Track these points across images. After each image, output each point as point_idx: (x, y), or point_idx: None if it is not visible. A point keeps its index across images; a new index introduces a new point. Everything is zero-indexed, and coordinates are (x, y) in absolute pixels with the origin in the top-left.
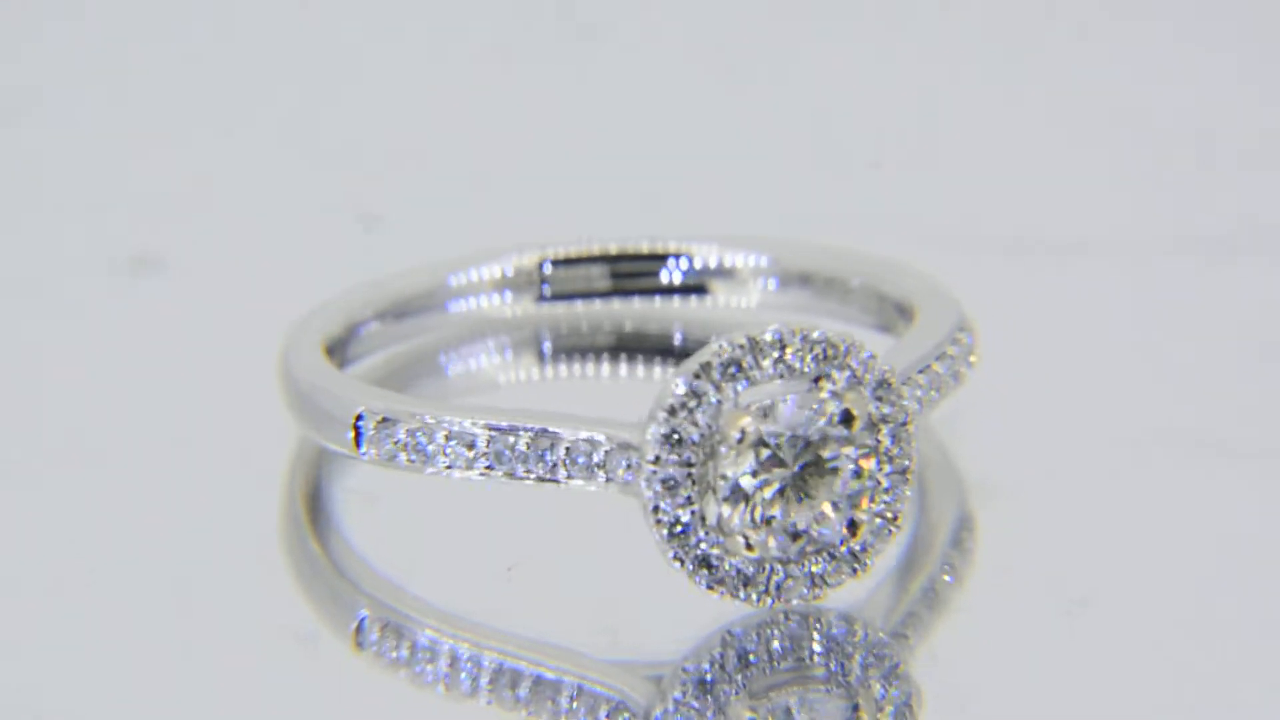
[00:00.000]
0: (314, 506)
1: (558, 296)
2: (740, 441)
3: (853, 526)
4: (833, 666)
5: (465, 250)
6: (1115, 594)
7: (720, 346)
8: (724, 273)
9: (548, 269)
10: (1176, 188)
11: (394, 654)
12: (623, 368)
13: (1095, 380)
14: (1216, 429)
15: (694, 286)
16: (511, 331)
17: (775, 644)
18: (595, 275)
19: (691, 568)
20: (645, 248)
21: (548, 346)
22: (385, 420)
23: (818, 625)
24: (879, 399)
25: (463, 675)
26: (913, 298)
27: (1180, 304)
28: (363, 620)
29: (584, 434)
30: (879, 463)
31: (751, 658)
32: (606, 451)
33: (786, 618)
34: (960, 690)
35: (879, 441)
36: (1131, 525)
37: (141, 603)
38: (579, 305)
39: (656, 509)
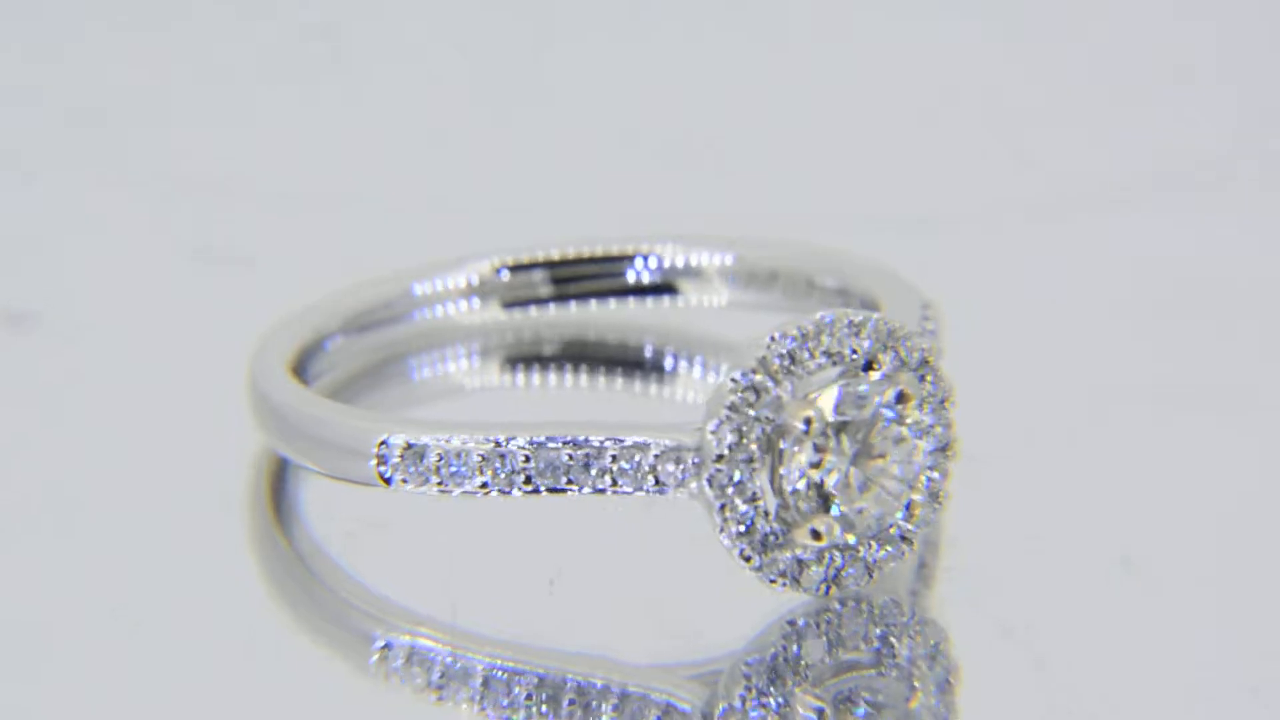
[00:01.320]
0: (293, 535)
1: (525, 302)
2: (806, 432)
3: (909, 508)
4: (884, 650)
5: (428, 259)
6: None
7: (772, 339)
8: (690, 272)
9: (512, 275)
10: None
11: (422, 679)
12: (584, 375)
13: (1031, 345)
14: (1168, 382)
15: (663, 287)
16: (480, 338)
17: (834, 632)
18: (561, 279)
19: (760, 564)
20: (604, 250)
21: (516, 353)
22: (411, 446)
23: (869, 610)
24: (921, 378)
25: (499, 694)
26: (871, 285)
27: (1083, 263)
28: (385, 645)
29: (631, 440)
30: (927, 441)
31: (811, 648)
32: (656, 456)
33: (842, 605)
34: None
35: (922, 419)
36: (1110, 482)
37: (139, 652)
38: (550, 309)
39: (724, 508)
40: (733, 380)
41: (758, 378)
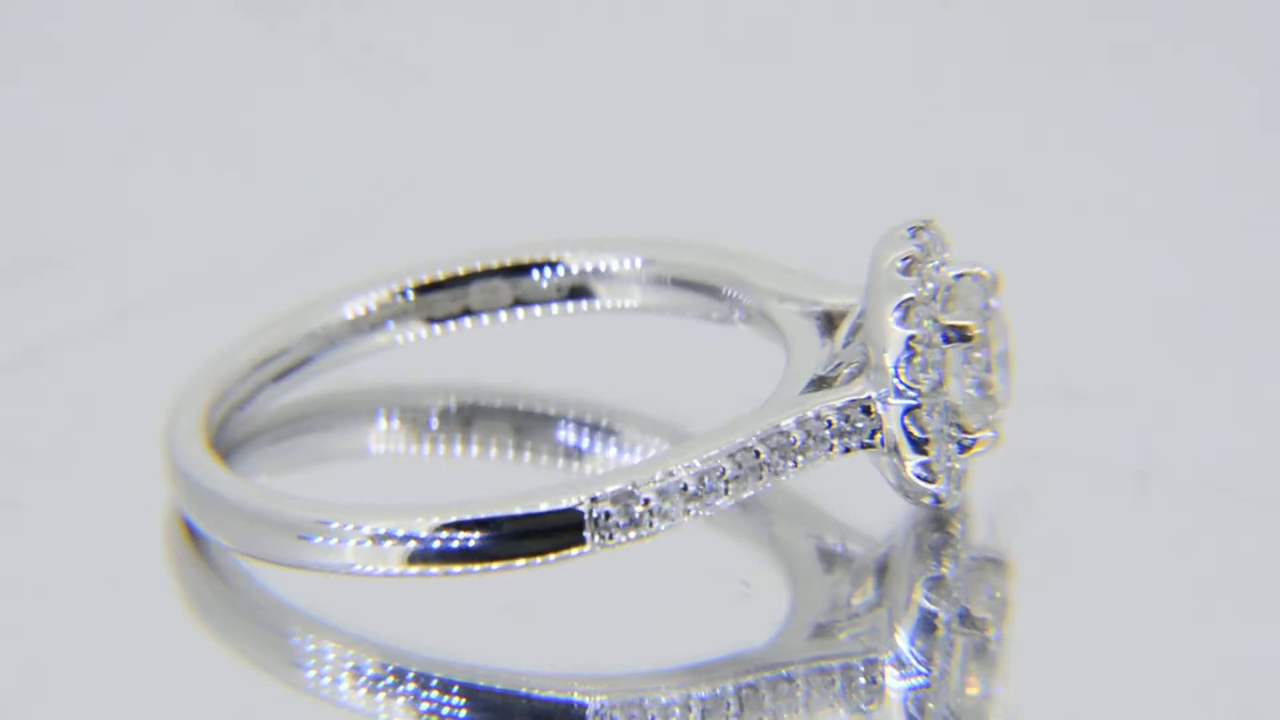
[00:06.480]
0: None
1: (436, 320)
2: (972, 344)
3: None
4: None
5: (325, 289)
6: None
7: (905, 262)
8: (601, 275)
9: (418, 295)
10: None
11: None
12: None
13: None
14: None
15: (576, 292)
16: (393, 394)
17: (965, 535)
18: (473, 292)
19: (946, 490)
20: (511, 260)
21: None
22: (616, 498)
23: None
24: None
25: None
26: (776, 283)
27: None
28: (596, 711)
29: (811, 411)
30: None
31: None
32: (829, 422)
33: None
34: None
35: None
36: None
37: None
38: (465, 323)
39: (928, 443)
40: (898, 311)
41: (922, 307)
